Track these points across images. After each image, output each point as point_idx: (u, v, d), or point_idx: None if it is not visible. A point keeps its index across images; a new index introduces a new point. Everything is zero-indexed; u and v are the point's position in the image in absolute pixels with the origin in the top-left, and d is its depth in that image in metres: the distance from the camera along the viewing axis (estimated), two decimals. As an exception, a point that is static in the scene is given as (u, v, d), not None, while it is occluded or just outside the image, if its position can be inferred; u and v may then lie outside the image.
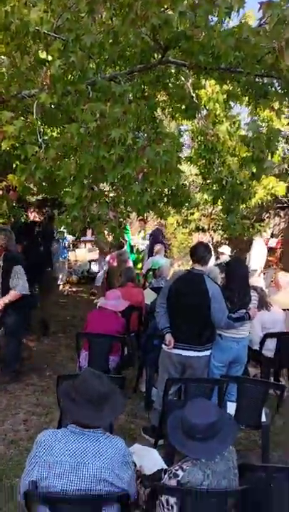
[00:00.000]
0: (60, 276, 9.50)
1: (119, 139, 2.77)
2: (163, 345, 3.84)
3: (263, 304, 4.91)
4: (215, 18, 2.67)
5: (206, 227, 12.67)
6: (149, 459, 2.62)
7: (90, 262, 10.95)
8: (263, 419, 3.60)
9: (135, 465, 2.44)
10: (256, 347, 4.83)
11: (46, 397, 4.52)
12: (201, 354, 3.78)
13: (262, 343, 4.81)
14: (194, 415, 2.13)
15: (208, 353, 3.84)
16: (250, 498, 2.18)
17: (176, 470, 2.09)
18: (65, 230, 2.87)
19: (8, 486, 3.09)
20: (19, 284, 4.54)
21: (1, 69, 3.45)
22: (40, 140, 3.22)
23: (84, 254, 11.60)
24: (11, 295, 4.54)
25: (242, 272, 4.09)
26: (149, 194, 2.93)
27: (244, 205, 4.90)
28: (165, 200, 3.64)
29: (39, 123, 3.26)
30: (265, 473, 2.27)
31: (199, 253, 3.83)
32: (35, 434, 2.14)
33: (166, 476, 2.14)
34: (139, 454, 2.68)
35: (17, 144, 3.13)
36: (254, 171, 3.19)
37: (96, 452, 2.01)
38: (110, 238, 3.43)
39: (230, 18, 2.58)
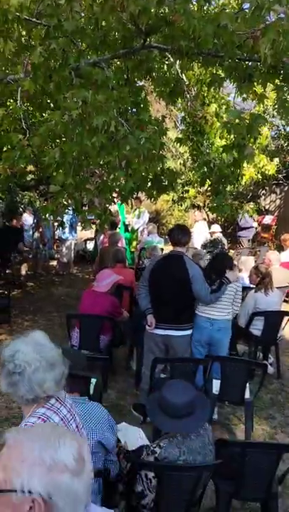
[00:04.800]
0: (66, 260, 9.42)
1: (102, 126, 2.80)
2: (146, 326, 3.97)
3: (263, 287, 4.96)
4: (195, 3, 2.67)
5: (201, 204, 12.70)
6: (133, 437, 2.78)
7: (85, 240, 11.00)
8: (247, 395, 3.75)
9: (119, 441, 2.60)
10: (243, 324, 4.95)
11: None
12: (181, 333, 3.90)
13: (249, 321, 4.92)
14: (171, 395, 2.26)
15: (188, 332, 3.96)
16: (225, 472, 2.33)
17: (154, 447, 2.23)
18: (51, 218, 2.90)
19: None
20: None
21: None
22: (24, 126, 3.24)
23: (79, 232, 11.64)
24: None
25: (225, 266, 4.14)
26: (132, 180, 2.97)
27: (232, 187, 4.93)
28: (149, 184, 3.68)
29: (23, 109, 3.27)
30: (239, 448, 2.41)
31: (174, 236, 3.93)
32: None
33: (144, 452, 2.28)
34: (124, 431, 2.84)
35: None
36: (235, 156, 3.22)
37: (85, 414, 2.19)
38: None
39: (209, 4, 2.58)
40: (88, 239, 10.87)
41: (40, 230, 9.33)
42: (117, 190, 3.15)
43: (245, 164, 5.50)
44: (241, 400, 3.74)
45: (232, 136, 3.60)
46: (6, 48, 3.11)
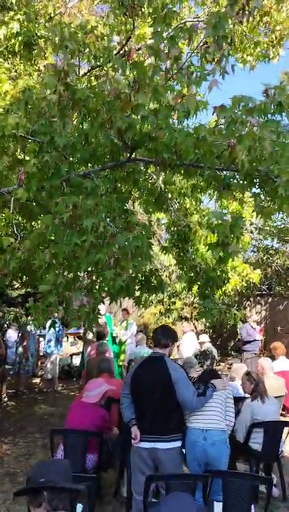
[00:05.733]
0: (50, 377, 9.06)
1: (92, 227, 2.90)
2: (132, 440, 3.56)
3: (258, 394, 4.71)
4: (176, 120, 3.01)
5: (188, 316, 12.70)
6: None
7: (71, 355, 10.66)
8: (253, 520, 3.30)
9: None
10: (241, 438, 4.57)
11: (18, 506, 4.10)
12: (169, 445, 3.48)
13: (248, 435, 4.56)
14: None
15: (177, 444, 3.54)
16: None
17: None
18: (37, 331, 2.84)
19: None
20: None
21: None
22: (16, 232, 3.36)
23: (65, 347, 11.35)
24: None
25: (210, 376, 4.04)
26: (121, 279, 2.99)
27: (220, 292, 5.00)
28: (139, 285, 3.70)
29: (16, 217, 3.42)
30: None
31: (155, 336, 3.80)
32: None
33: None
34: None
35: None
36: (221, 254, 3.34)
37: None
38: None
39: (188, 120, 2.91)
40: (74, 353, 10.55)
41: (25, 343, 9.07)
42: (106, 289, 3.15)
43: (229, 271, 5.67)
44: (247, 527, 3.27)
45: (215, 237, 3.76)
46: (0, 162, 3.36)
